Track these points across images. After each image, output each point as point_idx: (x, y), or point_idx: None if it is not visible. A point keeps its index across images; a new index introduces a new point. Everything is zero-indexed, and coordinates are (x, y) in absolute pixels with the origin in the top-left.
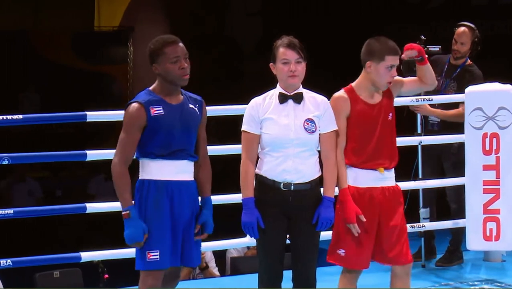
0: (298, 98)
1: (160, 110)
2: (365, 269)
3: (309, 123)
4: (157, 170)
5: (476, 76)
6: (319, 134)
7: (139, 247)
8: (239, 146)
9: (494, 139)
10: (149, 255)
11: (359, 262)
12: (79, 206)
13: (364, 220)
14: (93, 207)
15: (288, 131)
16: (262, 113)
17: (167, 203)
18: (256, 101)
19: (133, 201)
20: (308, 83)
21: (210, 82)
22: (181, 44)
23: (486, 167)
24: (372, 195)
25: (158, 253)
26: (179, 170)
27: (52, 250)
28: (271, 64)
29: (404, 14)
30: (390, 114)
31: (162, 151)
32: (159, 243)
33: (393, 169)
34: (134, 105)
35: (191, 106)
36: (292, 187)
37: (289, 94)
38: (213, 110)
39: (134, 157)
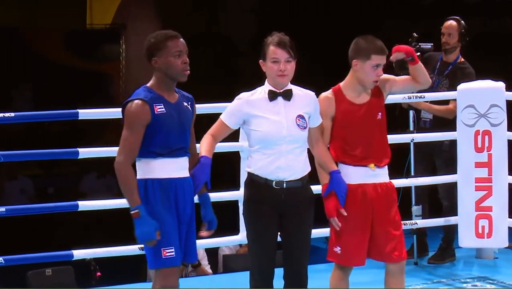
0: (287, 95)
1: (162, 108)
2: (361, 266)
3: (301, 120)
4: (160, 168)
5: (468, 73)
6: (311, 129)
7: (153, 245)
8: (233, 143)
9: (486, 136)
10: (164, 253)
11: (355, 259)
12: (71, 204)
13: (345, 214)
14: (85, 205)
15: (280, 128)
16: (250, 109)
17: (172, 200)
18: (244, 96)
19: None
20: (307, 82)
21: (204, 79)
22: (182, 40)
23: (478, 164)
24: (364, 191)
25: (173, 250)
26: (180, 167)
27: (44, 248)
28: (260, 61)
29: (400, 12)
30: (380, 113)
31: (163, 150)
32: (172, 240)
33: (385, 167)
34: (138, 102)
35: (185, 104)
36: (285, 184)
37: (278, 91)
38: (206, 108)
39: None
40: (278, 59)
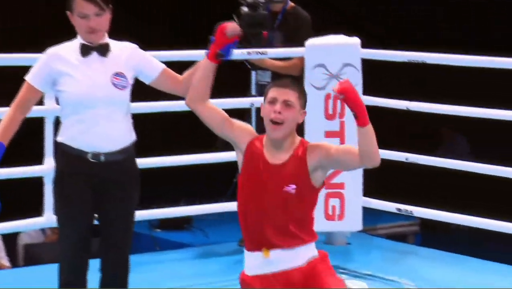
0: (103, 50)
1: None
2: None
3: (119, 78)
4: None
5: (301, 19)
6: (155, 79)
7: None
8: (37, 107)
9: (339, 101)
10: None
11: None
12: None
13: None
14: None
15: (94, 89)
16: (60, 66)
17: None
18: (52, 50)
19: None
20: None
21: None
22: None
23: (329, 134)
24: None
25: None
26: None
27: None
28: (68, 12)
29: None
30: (293, 185)
31: None
32: None
33: (297, 248)
34: None
35: None
36: (103, 157)
37: (92, 45)
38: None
39: None
40: (86, 14)
